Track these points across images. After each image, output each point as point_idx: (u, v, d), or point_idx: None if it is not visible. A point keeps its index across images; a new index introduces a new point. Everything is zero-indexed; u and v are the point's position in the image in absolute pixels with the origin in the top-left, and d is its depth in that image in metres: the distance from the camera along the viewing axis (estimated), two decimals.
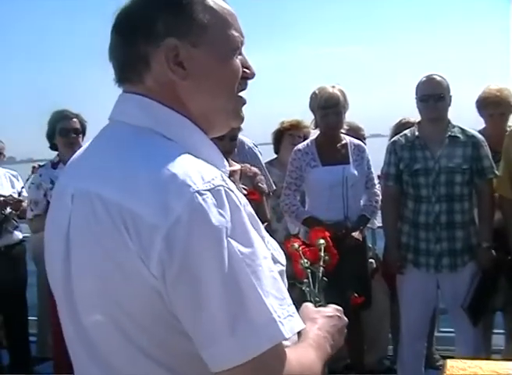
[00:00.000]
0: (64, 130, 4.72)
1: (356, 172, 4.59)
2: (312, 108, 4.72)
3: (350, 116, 4.97)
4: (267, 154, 5.76)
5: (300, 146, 4.72)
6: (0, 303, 5.13)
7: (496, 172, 4.34)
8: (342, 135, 4.72)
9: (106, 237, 1.19)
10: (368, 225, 4.82)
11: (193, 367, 1.21)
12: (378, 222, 5.02)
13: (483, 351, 4.51)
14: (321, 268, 1.85)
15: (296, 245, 1.90)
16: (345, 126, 4.77)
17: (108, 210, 1.19)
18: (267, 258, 1.20)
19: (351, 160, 4.62)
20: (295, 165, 4.65)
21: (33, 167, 5.52)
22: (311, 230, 2.11)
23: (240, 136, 5.12)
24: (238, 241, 1.14)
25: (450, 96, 4.40)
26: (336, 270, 4.45)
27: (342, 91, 4.62)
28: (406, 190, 4.42)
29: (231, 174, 4.33)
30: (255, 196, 4.36)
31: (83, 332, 1.30)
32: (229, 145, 4.34)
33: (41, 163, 5.23)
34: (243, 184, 4.38)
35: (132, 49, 1.33)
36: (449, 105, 4.42)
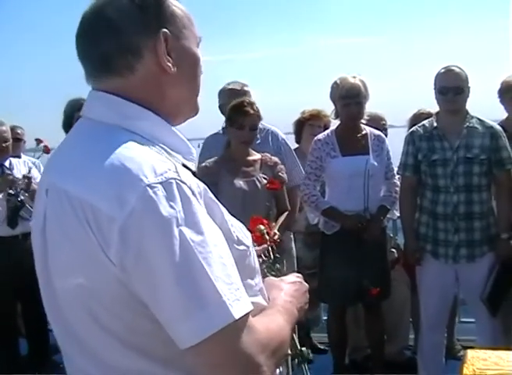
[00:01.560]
0: None
1: (376, 162, 4.58)
2: (333, 98, 4.71)
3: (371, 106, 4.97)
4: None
5: (321, 136, 4.72)
6: (18, 292, 5.13)
7: None
8: (362, 126, 4.72)
9: (72, 230, 1.28)
10: (388, 216, 4.81)
11: (165, 349, 1.29)
12: (398, 212, 5.01)
13: (503, 341, 4.49)
14: (269, 247, 2.08)
15: None
16: (365, 117, 4.77)
17: (72, 204, 1.28)
18: (217, 245, 1.26)
19: (371, 151, 4.61)
20: (315, 155, 4.65)
21: (37, 139, 5.48)
22: (250, 220, 2.26)
23: (273, 127, 5.14)
24: (189, 230, 1.22)
25: (469, 87, 4.39)
26: (355, 261, 4.50)
27: (363, 82, 4.61)
28: (424, 180, 4.43)
29: (251, 163, 4.37)
30: (275, 185, 4.39)
31: (64, 320, 1.40)
32: (248, 135, 4.37)
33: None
34: (263, 173, 4.41)
35: (122, 40, 1.39)
36: (468, 96, 4.41)
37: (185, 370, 1.29)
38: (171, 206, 1.21)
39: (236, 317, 1.22)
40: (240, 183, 4.35)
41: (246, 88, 5.14)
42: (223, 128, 4.85)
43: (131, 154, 1.28)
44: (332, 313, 4.96)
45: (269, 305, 1.53)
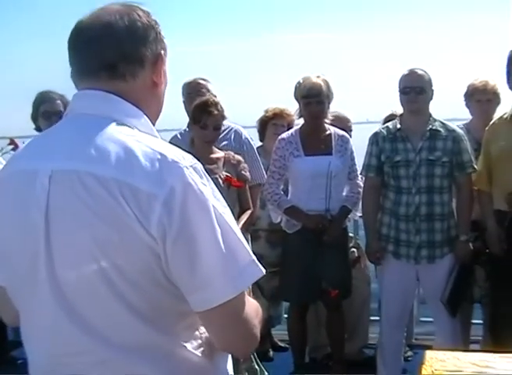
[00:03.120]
0: (47, 113, 4.62)
1: (339, 163, 4.61)
2: (296, 97, 4.73)
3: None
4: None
5: (284, 135, 4.74)
6: None
7: (475, 166, 4.40)
8: (326, 125, 4.74)
9: (102, 207, 1.41)
10: (349, 216, 4.84)
11: (178, 323, 1.53)
12: (359, 213, 5.04)
13: (462, 342, 4.56)
14: None
15: None
16: (329, 117, 4.79)
17: (103, 185, 1.41)
18: (231, 217, 1.51)
19: (334, 151, 4.64)
20: (278, 154, 4.66)
21: (11, 139, 5.43)
22: None
23: (237, 125, 5.13)
24: (219, 203, 1.47)
25: (432, 90, 4.45)
26: (316, 261, 4.52)
27: (326, 81, 4.63)
28: (387, 181, 4.46)
29: (214, 161, 4.37)
30: (236, 184, 4.39)
31: (67, 306, 1.48)
32: (211, 134, 4.37)
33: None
34: (226, 171, 4.41)
35: (131, 51, 1.58)
36: (431, 99, 4.47)
37: (196, 342, 1.56)
38: (204, 184, 1.45)
39: (264, 272, 1.51)
40: None
41: (205, 83, 5.11)
42: (188, 126, 4.83)
43: (158, 142, 1.51)
44: (293, 311, 4.97)
45: None
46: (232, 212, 4.23)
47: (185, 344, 1.54)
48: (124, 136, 1.49)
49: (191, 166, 1.45)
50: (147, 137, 1.51)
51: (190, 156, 1.50)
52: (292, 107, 5.21)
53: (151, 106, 1.66)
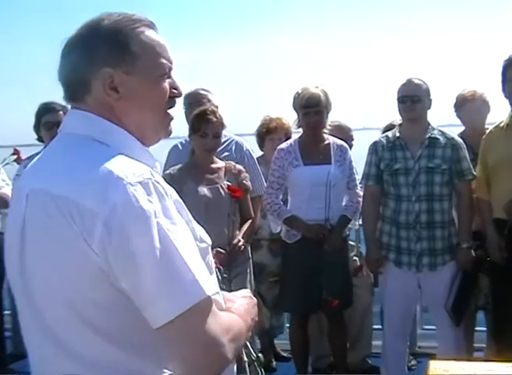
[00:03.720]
0: (49, 124, 4.67)
1: (338, 172, 4.61)
2: (295, 107, 4.73)
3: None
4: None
5: (284, 145, 4.74)
6: None
7: (475, 173, 4.41)
8: (325, 135, 4.74)
9: (56, 226, 1.44)
10: (349, 225, 4.83)
11: (138, 337, 1.47)
12: (359, 222, 5.04)
13: (465, 350, 4.55)
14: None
15: None
16: (328, 126, 4.79)
17: (57, 204, 1.44)
18: (187, 236, 1.47)
19: (333, 160, 4.64)
20: (278, 164, 4.66)
21: (15, 150, 5.44)
22: None
23: (238, 137, 5.13)
24: (165, 220, 1.41)
25: (430, 99, 4.48)
26: (316, 271, 4.53)
27: (324, 91, 4.63)
28: (387, 189, 4.47)
29: (216, 171, 4.37)
30: (238, 193, 4.40)
31: (41, 319, 1.52)
32: (211, 142, 4.38)
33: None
34: (227, 181, 4.42)
35: (77, 75, 1.62)
36: (429, 107, 4.50)
37: (157, 358, 1.49)
38: (149, 201, 1.41)
39: (208, 294, 1.41)
40: (203, 190, 4.35)
41: (206, 94, 5.11)
42: (188, 136, 4.83)
43: (111, 159, 1.48)
44: (294, 322, 4.96)
45: (226, 310, 1.69)
46: (234, 221, 4.25)
47: (164, 368, 1.52)
48: (87, 154, 1.53)
49: (139, 183, 1.42)
50: (106, 155, 1.50)
51: (143, 171, 1.47)
52: (290, 117, 5.21)
53: (123, 123, 1.63)
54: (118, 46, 1.60)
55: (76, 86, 1.63)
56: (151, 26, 1.69)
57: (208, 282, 1.44)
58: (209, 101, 4.99)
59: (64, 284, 1.45)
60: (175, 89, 1.71)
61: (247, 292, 1.90)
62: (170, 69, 1.70)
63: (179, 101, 5.04)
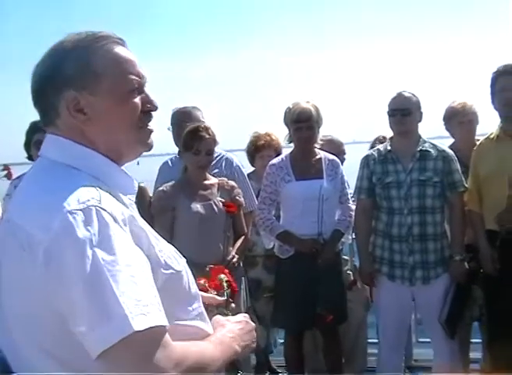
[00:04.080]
0: (39, 142, 4.64)
1: (330, 186, 4.61)
2: (286, 122, 4.73)
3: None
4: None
5: (275, 161, 4.75)
6: None
7: (466, 185, 4.43)
8: (316, 150, 4.75)
9: (13, 253, 1.46)
10: (342, 240, 4.83)
11: (84, 361, 1.39)
12: (352, 236, 5.05)
13: (461, 362, 4.55)
14: (226, 293, 2.30)
15: (202, 281, 2.30)
16: (319, 141, 4.80)
17: (13, 232, 1.47)
18: (131, 266, 1.40)
19: (325, 175, 4.64)
20: (270, 179, 4.66)
21: (5, 166, 5.42)
22: (212, 269, 2.52)
23: (229, 154, 5.13)
24: (101, 251, 1.37)
25: (421, 112, 4.49)
26: (310, 286, 4.51)
27: (315, 106, 4.64)
28: (379, 203, 4.49)
29: (209, 187, 4.37)
30: (232, 208, 4.40)
31: (11, 339, 1.53)
32: (204, 159, 4.38)
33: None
34: (220, 197, 4.42)
35: (44, 100, 1.64)
36: (420, 120, 4.51)
37: None
38: (87, 229, 1.38)
39: (136, 329, 1.33)
40: (197, 206, 4.35)
41: (195, 111, 5.11)
42: (179, 153, 4.83)
43: (60, 186, 1.48)
44: (289, 338, 4.94)
45: (207, 337, 1.69)
46: (228, 237, 4.25)
47: None
48: (46, 181, 1.55)
49: (81, 210, 1.40)
50: (62, 182, 1.51)
51: (88, 198, 1.44)
52: (280, 131, 5.23)
53: (96, 144, 1.63)
54: (80, 67, 1.60)
55: (45, 111, 1.65)
56: (119, 42, 1.67)
57: (146, 316, 1.36)
58: (198, 117, 5.00)
59: (20, 308, 1.48)
60: (149, 103, 1.70)
61: (243, 316, 1.89)
62: (140, 84, 1.68)
63: (167, 119, 4.97)
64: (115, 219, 1.44)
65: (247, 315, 1.93)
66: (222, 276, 2.43)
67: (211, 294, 2.17)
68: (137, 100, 1.66)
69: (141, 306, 1.36)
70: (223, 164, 4.99)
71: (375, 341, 5.15)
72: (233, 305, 2.23)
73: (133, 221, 1.53)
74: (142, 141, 1.71)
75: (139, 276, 1.41)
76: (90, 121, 1.60)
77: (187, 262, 4.01)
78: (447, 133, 5.13)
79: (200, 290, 2.29)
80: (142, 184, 4.67)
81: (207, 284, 2.33)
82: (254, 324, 1.88)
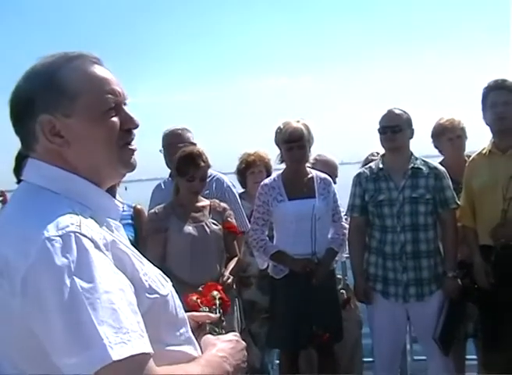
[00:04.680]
0: None
1: (322, 205, 4.60)
2: (277, 142, 4.72)
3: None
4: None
5: (267, 181, 4.74)
6: None
7: (458, 202, 4.44)
8: (308, 169, 4.75)
9: None
10: (336, 258, 4.82)
11: None
12: (345, 254, 5.04)
13: None
14: (218, 311, 2.26)
15: (194, 298, 2.33)
16: (312, 160, 4.81)
17: None
18: (111, 292, 1.37)
19: (317, 194, 4.63)
20: (262, 199, 4.65)
21: (1, 191, 5.43)
22: (205, 286, 2.51)
23: (219, 174, 5.13)
24: (80, 278, 1.34)
25: (412, 129, 4.51)
26: (305, 305, 4.48)
27: (306, 126, 4.64)
28: (372, 221, 4.50)
29: (200, 209, 4.37)
30: (234, 228, 4.43)
31: None
32: (199, 185, 4.39)
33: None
34: (212, 219, 4.41)
35: (22, 126, 1.61)
36: (411, 137, 4.53)
37: None
38: (65, 256, 1.35)
39: (115, 359, 1.29)
40: (189, 228, 4.35)
41: (186, 132, 5.12)
42: (170, 175, 4.83)
43: (40, 211, 1.46)
44: (284, 358, 4.89)
45: (196, 358, 1.65)
46: (221, 259, 4.22)
47: None
48: (25, 206, 1.53)
49: (60, 236, 1.37)
50: (42, 206, 1.49)
51: (68, 223, 1.41)
52: (269, 151, 5.24)
53: (77, 168, 1.60)
54: (52, 89, 1.56)
55: (24, 136, 1.62)
56: (95, 61, 1.64)
57: (126, 344, 1.33)
58: (189, 139, 5.02)
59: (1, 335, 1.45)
60: (128, 121, 1.65)
61: (233, 335, 1.86)
62: (118, 102, 1.63)
63: (157, 141, 4.91)
64: (95, 245, 1.42)
65: (237, 334, 1.91)
66: (215, 293, 2.41)
67: (204, 313, 2.12)
68: (115, 119, 1.62)
69: (121, 334, 1.33)
70: (214, 185, 5.00)
71: (370, 359, 5.15)
72: (225, 323, 2.18)
73: (116, 245, 1.50)
74: (123, 160, 1.66)
75: (119, 303, 1.37)
76: (68, 144, 1.58)
77: (181, 282, 4.01)
78: (433, 152, 5.15)
79: (191, 306, 2.27)
80: (139, 206, 4.68)
81: (199, 301, 2.32)
82: (244, 343, 1.85)
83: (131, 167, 1.69)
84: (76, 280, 1.33)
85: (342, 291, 5.10)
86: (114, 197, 4.66)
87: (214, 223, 4.44)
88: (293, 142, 4.57)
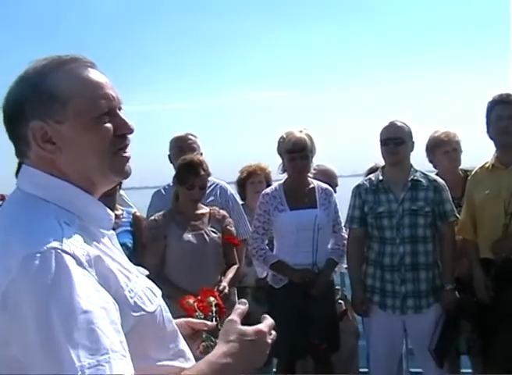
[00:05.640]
0: None
1: (323, 216, 4.61)
2: (280, 152, 4.73)
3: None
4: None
5: (268, 190, 4.75)
6: None
7: (458, 215, 4.45)
8: (309, 179, 4.76)
9: None
10: (335, 269, 4.82)
11: None
12: (345, 265, 5.04)
13: None
14: (214, 319, 2.18)
15: (190, 301, 2.28)
16: (313, 170, 4.81)
17: None
18: (90, 312, 1.30)
19: (319, 204, 4.64)
20: (263, 208, 4.66)
21: (1, 195, 5.43)
22: (201, 290, 2.44)
23: (222, 182, 5.14)
24: (58, 298, 1.28)
25: (413, 142, 4.53)
26: (303, 315, 4.47)
27: (309, 136, 4.64)
28: (371, 232, 4.51)
29: (200, 217, 4.37)
30: (235, 240, 4.43)
31: None
32: (198, 194, 4.39)
33: None
34: (211, 227, 4.42)
35: (14, 133, 1.56)
36: (412, 150, 4.55)
37: None
38: (44, 275, 1.29)
39: None
40: (188, 236, 4.35)
41: (195, 139, 5.15)
42: (172, 183, 4.84)
43: (24, 223, 1.42)
44: (281, 367, 4.88)
45: (201, 362, 1.57)
46: (220, 267, 4.19)
47: None
48: (11, 216, 1.49)
49: (40, 253, 1.32)
50: (25, 215, 1.46)
51: (50, 239, 1.35)
52: (269, 162, 5.25)
53: (68, 175, 1.55)
54: (44, 95, 1.51)
55: (17, 143, 1.58)
56: (88, 65, 1.58)
57: (99, 369, 1.26)
58: (197, 145, 5.04)
59: None
60: (122, 127, 1.59)
61: (256, 332, 1.70)
62: (112, 107, 1.58)
63: (164, 146, 4.92)
64: (77, 262, 1.35)
65: (261, 328, 1.73)
66: (212, 299, 2.37)
67: (201, 320, 2.06)
68: (108, 125, 1.56)
69: (99, 356, 1.27)
70: (218, 192, 5.02)
71: (365, 370, 5.14)
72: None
73: (101, 261, 1.44)
74: (116, 168, 1.60)
75: (100, 322, 1.31)
76: (60, 150, 1.53)
77: (179, 290, 4.00)
78: (426, 167, 5.12)
79: (186, 309, 2.26)
80: (138, 213, 4.67)
81: (195, 304, 2.29)
82: (268, 341, 1.72)
83: (124, 175, 1.64)
84: (54, 300, 1.28)
85: (340, 301, 5.10)
86: (113, 202, 4.65)
87: (213, 231, 4.44)
88: (296, 152, 4.58)
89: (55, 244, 1.34)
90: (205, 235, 4.40)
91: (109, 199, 4.40)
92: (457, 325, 4.45)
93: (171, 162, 5.08)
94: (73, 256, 1.35)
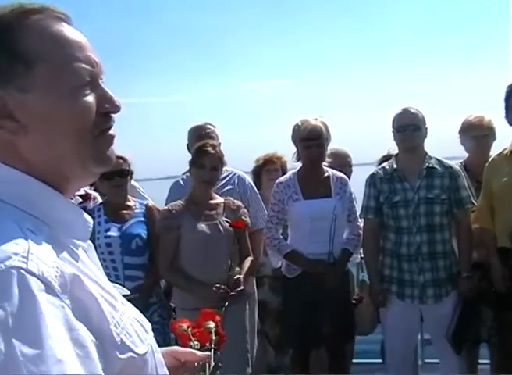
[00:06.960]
0: None
1: (338, 205, 4.55)
2: (294, 140, 4.69)
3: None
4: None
5: (282, 179, 4.70)
6: None
7: (474, 202, 4.39)
8: (324, 168, 4.70)
9: None
10: (350, 259, 4.77)
11: None
12: (360, 255, 4.99)
13: None
14: (213, 351, 1.78)
15: (184, 326, 1.86)
16: (328, 158, 4.77)
17: None
18: (62, 361, 0.95)
19: (334, 193, 4.59)
20: (277, 198, 4.61)
21: None
22: (201, 312, 2.02)
23: (240, 171, 5.11)
24: (21, 340, 0.92)
25: (426, 128, 4.47)
26: (318, 305, 4.44)
27: (324, 124, 4.59)
28: (387, 222, 4.45)
29: (214, 207, 4.33)
30: (239, 224, 4.37)
31: None
32: (209, 174, 4.31)
33: None
34: (226, 217, 4.38)
35: None
36: (426, 136, 4.49)
37: None
38: (2, 305, 0.92)
39: None
40: (202, 226, 4.30)
41: (211, 127, 5.12)
42: (188, 171, 4.81)
43: None
44: (296, 357, 4.85)
45: None
46: (234, 258, 4.14)
47: None
48: None
49: (12, 267, 0.96)
50: None
51: (10, 255, 0.97)
52: (281, 151, 5.23)
53: (31, 164, 1.14)
54: (3, 53, 1.12)
55: None
56: (61, 17, 1.19)
57: None
58: (213, 133, 5.02)
59: None
60: (107, 102, 1.21)
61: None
62: (94, 76, 1.19)
63: (183, 136, 4.89)
64: (46, 287, 0.98)
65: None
66: (212, 324, 1.94)
67: (188, 350, 1.66)
68: (90, 98, 1.17)
69: None
70: (236, 181, 4.97)
71: (379, 360, 5.11)
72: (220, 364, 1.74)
73: (79, 283, 1.06)
74: (98, 155, 1.20)
75: (76, 372, 0.97)
76: (24, 130, 1.12)
77: (193, 280, 3.97)
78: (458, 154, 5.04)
79: (179, 335, 1.87)
80: (150, 203, 4.63)
81: (190, 331, 1.87)
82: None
83: (107, 164, 1.23)
84: (16, 343, 0.91)
85: (356, 289, 5.04)
86: (124, 193, 4.65)
87: (227, 222, 4.40)
88: (312, 140, 4.52)
89: (17, 261, 0.97)
90: (219, 225, 4.35)
91: (119, 190, 4.38)
92: (477, 312, 4.41)
93: (189, 152, 5.06)
94: (41, 279, 0.98)
